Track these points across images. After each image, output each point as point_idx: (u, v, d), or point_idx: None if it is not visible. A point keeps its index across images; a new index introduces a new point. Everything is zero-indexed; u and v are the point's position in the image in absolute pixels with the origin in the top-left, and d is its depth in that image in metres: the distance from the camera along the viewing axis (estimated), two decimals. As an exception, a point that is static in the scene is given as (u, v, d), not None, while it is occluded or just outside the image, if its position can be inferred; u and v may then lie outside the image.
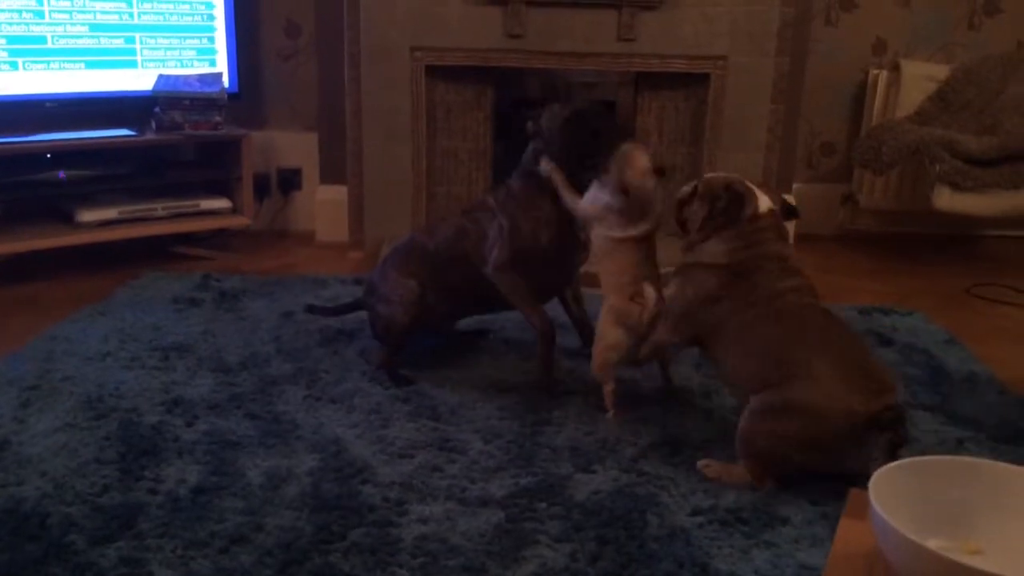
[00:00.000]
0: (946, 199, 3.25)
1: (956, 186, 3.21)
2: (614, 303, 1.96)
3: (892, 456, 1.49)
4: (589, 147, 2.09)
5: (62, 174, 3.07)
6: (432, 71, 3.30)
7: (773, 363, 1.70)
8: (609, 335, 1.96)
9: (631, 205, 1.97)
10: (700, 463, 1.78)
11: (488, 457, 1.81)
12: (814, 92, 3.70)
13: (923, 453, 1.80)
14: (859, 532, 1.24)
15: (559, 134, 2.14)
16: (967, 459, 1.30)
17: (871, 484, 1.17)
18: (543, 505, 1.64)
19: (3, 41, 2.96)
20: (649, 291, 1.93)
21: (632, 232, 1.97)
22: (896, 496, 1.16)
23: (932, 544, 1.09)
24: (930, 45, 3.72)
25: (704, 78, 3.33)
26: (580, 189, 2.09)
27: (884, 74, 3.65)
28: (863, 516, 1.23)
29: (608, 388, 2.00)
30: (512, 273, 2.12)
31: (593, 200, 2.02)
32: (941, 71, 3.56)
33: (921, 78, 3.57)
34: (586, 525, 1.58)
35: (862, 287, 3.19)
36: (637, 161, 1.98)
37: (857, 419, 1.60)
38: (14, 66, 3.00)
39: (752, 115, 3.33)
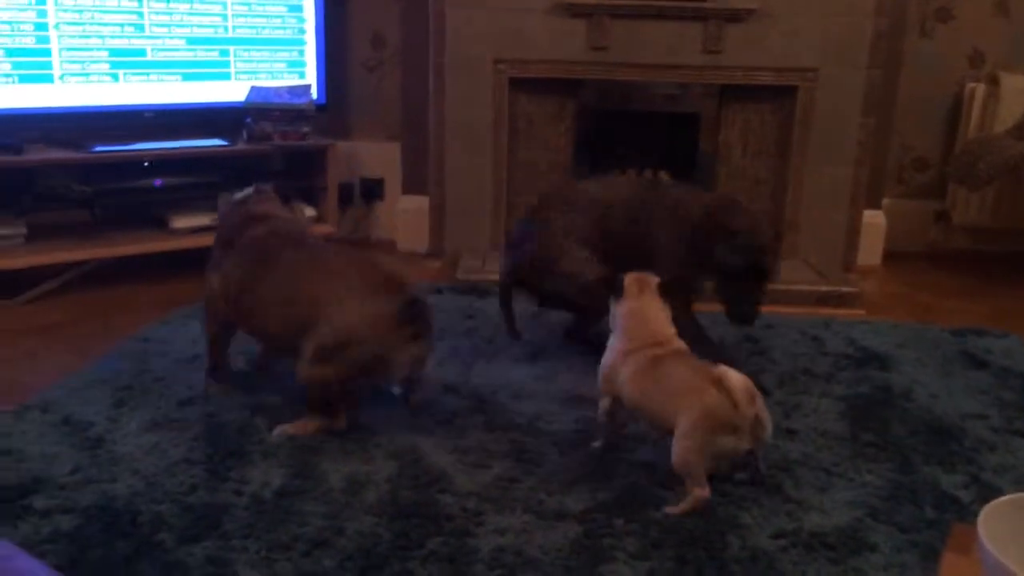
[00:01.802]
0: (1045, 217, 3.12)
1: (1056, 203, 3.08)
2: (695, 403, 1.65)
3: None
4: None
5: (158, 182, 3.18)
6: (515, 83, 3.32)
7: (302, 308, 1.89)
8: (712, 444, 1.64)
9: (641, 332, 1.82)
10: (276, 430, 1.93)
11: (565, 470, 1.80)
12: (907, 106, 3.60)
13: (1021, 482, 1.74)
14: (964, 568, 1.20)
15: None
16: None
17: (980, 519, 1.12)
18: (620, 521, 1.62)
19: (106, 53, 3.09)
20: (727, 371, 1.66)
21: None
22: (1005, 532, 1.12)
23: (1044, 583, 1.04)
24: (1031, 57, 3.58)
25: (792, 90, 3.27)
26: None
27: (981, 87, 3.53)
28: (968, 551, 1.19)
29: (702, 494, 1.66)
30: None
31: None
32: (1043, 84, 3.43)
33: (1021, 91, 3.44)
34: (664, 543, 1.56)
35: (953, 307, 3.08)
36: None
37: (387, 320, 1.83)
38: (115, 77, 3.12)
39: (842, 129, 3.26)
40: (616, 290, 1.85)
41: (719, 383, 1.62)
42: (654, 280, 1.86)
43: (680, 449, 1.64)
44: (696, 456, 1.64)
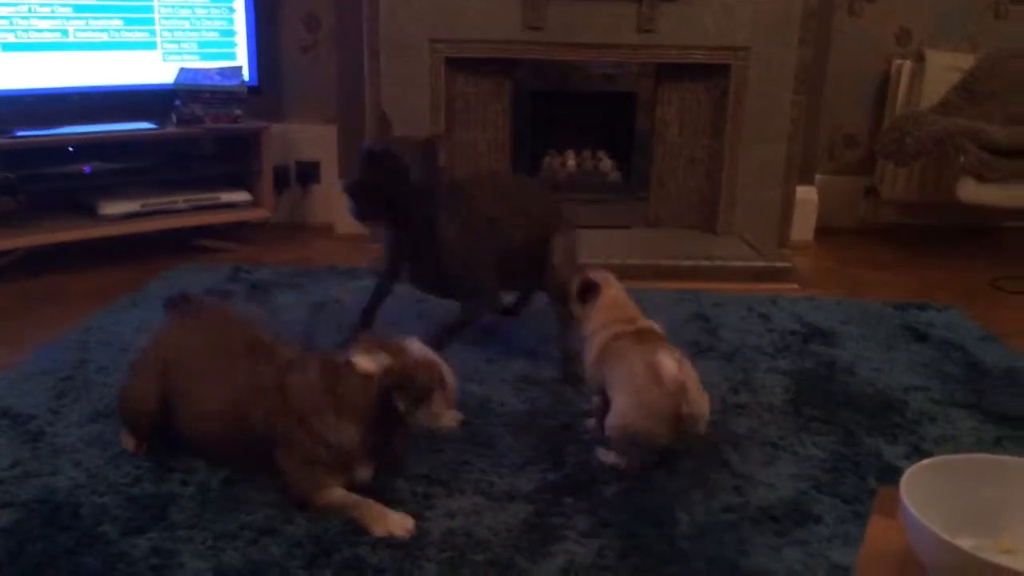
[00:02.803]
0: (971, 191, 3.23)
1: (981, 177, 3.19)
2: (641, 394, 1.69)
3: None
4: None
5: (88, 169, 3.08)
6: (451, 63, 3.29)
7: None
8: (640, 426, 1.68)
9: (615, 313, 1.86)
10: None
11: (516, 452, 1.81)
12: (837, 83, 3.67)
13: (960, 451, 1.80)
14: (890, 530, 1.23)
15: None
16: (999, 457, 1.28)
17: (902, 482, 1.15)
18: (570, 500, 1.64)
19: (28, 34, 2.97)
20: (667, 359, 1.68)
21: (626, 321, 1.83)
22: (927, 494, 1.15)
23: (964, 543, 1.08)
24: (955, 35, 3.68)
25: (725, 69, 3.31)
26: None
27: (908, 64, 3.62)
28: (893, 514, 1.22)
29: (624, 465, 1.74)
30: None
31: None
32: (966, 61, 3.53)
33: (946, 68, 3.54)
34: (614, 521, 1.57)
35: (885, 280, 3.17)
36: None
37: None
38: (38, 57, 3.01)
39: (774, 106, 3.31)
40: (589, 293, 1.87)
41: (657, 377, 1.64)
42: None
43: (609, 430, 1.71)
44: (622, 439, 1.70)
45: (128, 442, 1.76)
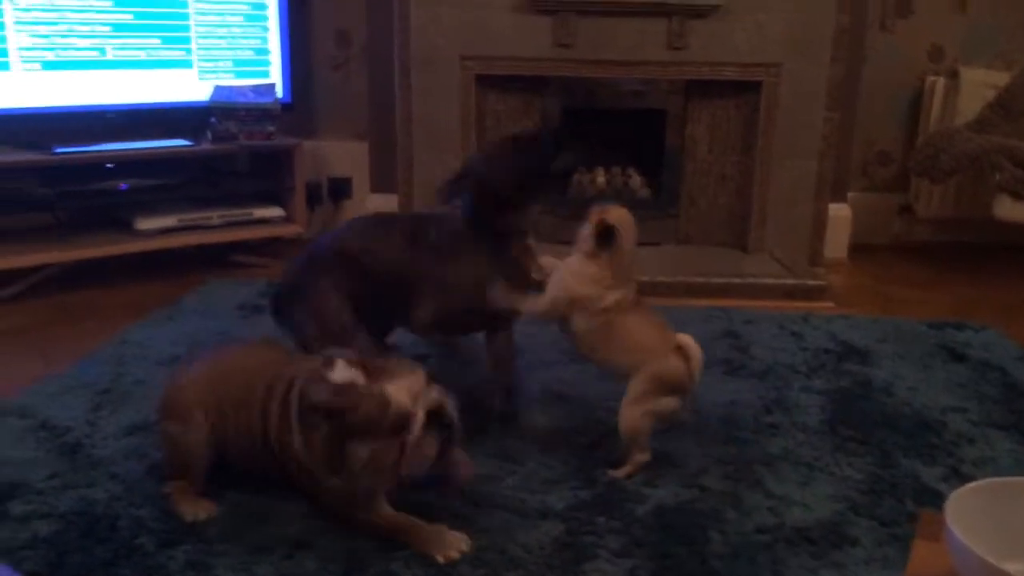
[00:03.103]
0: (1007, 208, 3.19)
1: (1017, 195, 3.15)
2: (654, 369, 1.73)
3: None
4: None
5: (124, 185, 3.13)
6: (482, 80, 3.31)
7: None
8: (660, 405, 1.74)
9: (618, 268, 1.79)
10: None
11: (546, 469, 1.80)
12: (870, 100, 3.65)
13: (999, 474, 1.77)
14: (934, 554, 1.22)
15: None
16: (1044, 480, 1.26)
17: (947, 506, 1.15)
18: (602, 519, 1.63)
19: (67, 53, 3.03)
20: (687, 340, 1.75)
21: (626, 294, 1.78)
22: (972, 518, 1.14)
23: (1012, 568, 1.06)
24: (989, 52, 3.65)
25: (756, 86, 3.30)
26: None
27: (942, 81, 3.59)
28: (937, 538, 1.21)
29: (644, 458, 1.78)
30: None
31: (578, 276, 1.79)
32: (1001, 78, 3.49)
33: (980, 85, 3.50)
34: (647, 541, 1.56)
35: (920, 298, 3.13)
36: (629, 222, 1.82)
37: None
38: (78, 76, 3.06)
39: (806, 123, 3.29)
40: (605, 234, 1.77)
41: (680, 350, 1.72)
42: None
43: (629, 415, 1.73)
44: (646, 422, 1.74)
45: (192, 509, 1.61)
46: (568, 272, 1.81)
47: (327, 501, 1.56)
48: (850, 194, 3.68)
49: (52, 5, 2.97)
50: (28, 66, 2.97)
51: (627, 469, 1.76)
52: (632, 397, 1.73)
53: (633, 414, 1.73)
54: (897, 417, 2.08)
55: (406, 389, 1.44)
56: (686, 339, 1.74)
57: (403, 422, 1.42)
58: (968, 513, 1.15)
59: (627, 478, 1.75)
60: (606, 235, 1.76)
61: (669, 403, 1.74)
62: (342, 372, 1.45)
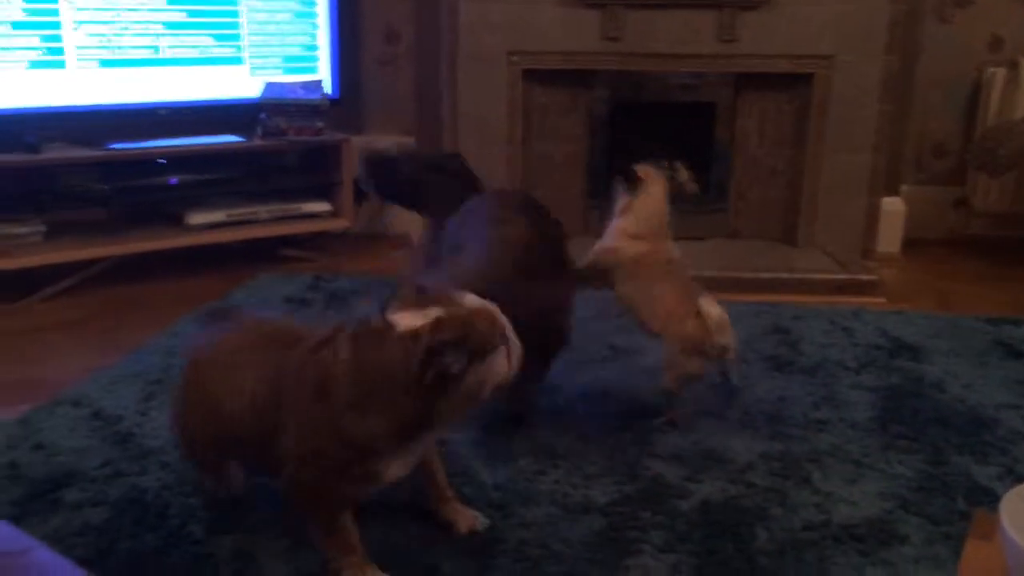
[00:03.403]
0: (1067, 202, 3.10)
1: (1078, 189, 3.06)
2: (674, 332, 1.86)
3: None
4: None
5: (174, 180, 3.18)
6: (529, 75, 3.30)
7: None
8: (686, 366, 1.87)
9: (642, 217, 1.95)
10: None
11: (589, 463, 1.79)
12: (926, 92, 3.57)
13: (1056, 473, 1.72)
14: (988, 554, 1.19)
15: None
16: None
17: (1002, 506, 1.11)
18: (647, 514, 1.61)
19: (121, 51, 3.09)
20: (705, 303, 1.85)
21: (655, 251, 1.93)
22: (1028, 518, 1.11)
23: (1069, 569, 1.03)
24: (1050, 42, 3.54)
25: (808, 78, 3.25)
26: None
27: (1001, 72, 3.49)
28: (991, 537, 1.18)
29: (684, 410, 1.94)
30: None
31: (610, 233, 1.98)
32: (1063, 68, 3.39)
33: (1041, 76, 3.40)
34: (691, 536, 1.55)
35: (977, 294, 3.05)
36: (654, 174, 1.99)
37: None
38: (130, 73, 3.13)
39: (859, 116, 3.23)
40: (629, 178, 1.95)
41: (698, 314, 1.84)
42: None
43: (667, 378, 1.91)
44: (680, 382, 1.90)
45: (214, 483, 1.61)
46: (607, 233, 1.98)
47: (296, 482, 1.38)
48: (904, 187, 3.61)
49: (108, 4, 3.03)
50: (84, 64, 3.04)
51: (665, 419, 1.93)
52: (664, 360, 1.90)
53: (665, 376, 1.91)
54: (950, 414, 2.03)
55: (487, 305, 1.33)
56: (705, 302, 1.85)
57: (504, 330, 1.32)
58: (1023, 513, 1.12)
59: (671, 424, 1.93)
60: (629, 180, 1.94)
61: (695, 364, 1.87)
62: (411, 314, 1.29)
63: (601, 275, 1.95)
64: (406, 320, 1.28)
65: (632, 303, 1.93)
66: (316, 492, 1.36)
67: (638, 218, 1.94)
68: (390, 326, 1.28)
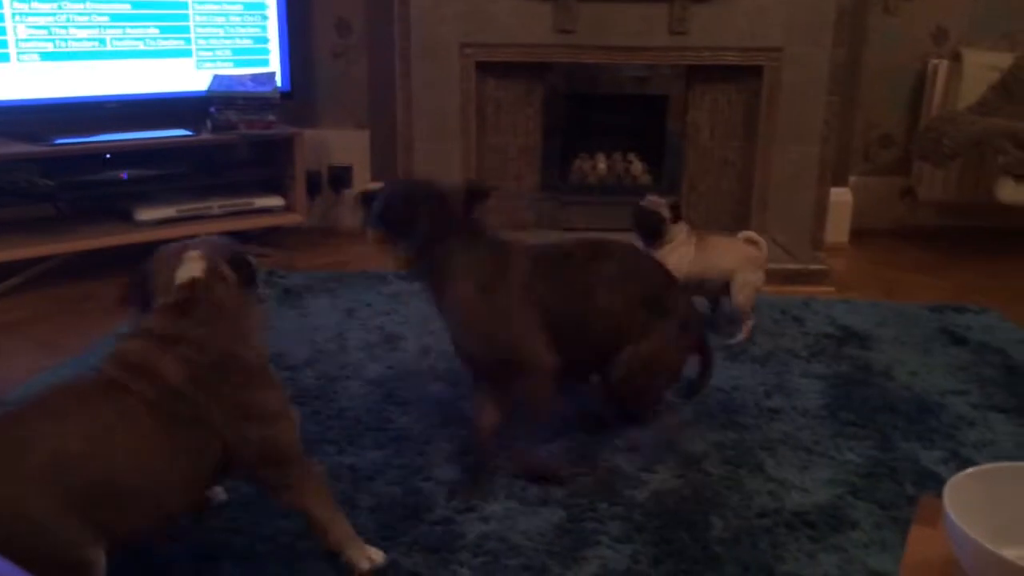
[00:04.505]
0: (1010, 191, 3.18)
1: (1021, 178, 3.13)
2: (746, 256, 2.45)
3: None
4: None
5: (125, 175, 3.13)
6: (482, 67, 3.29)
7: None
8: (755, 282, 2.45)
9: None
10: None
11: (548, 456, 1.80)
12: (872, 83, 3.63)
13: (999, 457, 1.77)
14: (932, 540, 1.21)
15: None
16: (1043, 464, 1.26)
17: (946, 491, 1.14)
18: (603, 505, 1.63)
19: (66, 44, 3.02)
20: (750, 234, 2.54)
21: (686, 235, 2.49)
22: (971, 504, 1.14)
23: (1009, 553, 1.06)
24: (993, 33, 3.61)
25: (758, 70, 3.28)
26: None
27: (945, 64, 3.56)
28: (935, 523, 1.21)
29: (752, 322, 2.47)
30: None
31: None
32: (1004, 60, 3.47)
33: (983, 67, 3.48)
34: (648, 526, 1.57)
35: (923, 283, 3.13)
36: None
37: None
38: (75, 67, 3.06)
39: (808, 107, 3.28)
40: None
41: (752, 241, 2.49)
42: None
43: (743, 295, 2.42)
44: (752, 295, 2.44)
45: None
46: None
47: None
48: (852, 178, 3.67)
49: (50, -5, 2.96)
50: (26, 57, 2.96)
51: (744, 334, 2.43)
52: (736, 288, 2.42)
53: (746, 293, 2.42)
54: (897, 401, 2.08)
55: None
56: (749, 234, 2.54)
57: None
58: (967, 498, 1.15)
59: (747, 339, 2.42)
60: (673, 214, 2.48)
61: (760, 277, 2.46)
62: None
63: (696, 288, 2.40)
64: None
65: (706, 274, 2.42)
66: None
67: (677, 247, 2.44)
68: None
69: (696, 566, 1.46)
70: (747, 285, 2.43)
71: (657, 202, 2.46)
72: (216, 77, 3.24)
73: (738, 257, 2.45)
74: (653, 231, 2.43)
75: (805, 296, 2.86)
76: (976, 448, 1.85)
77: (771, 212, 3.38)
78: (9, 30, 2.91)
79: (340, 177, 3.74)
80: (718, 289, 2.47)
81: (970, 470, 1.20)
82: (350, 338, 2.43)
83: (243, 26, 3.35)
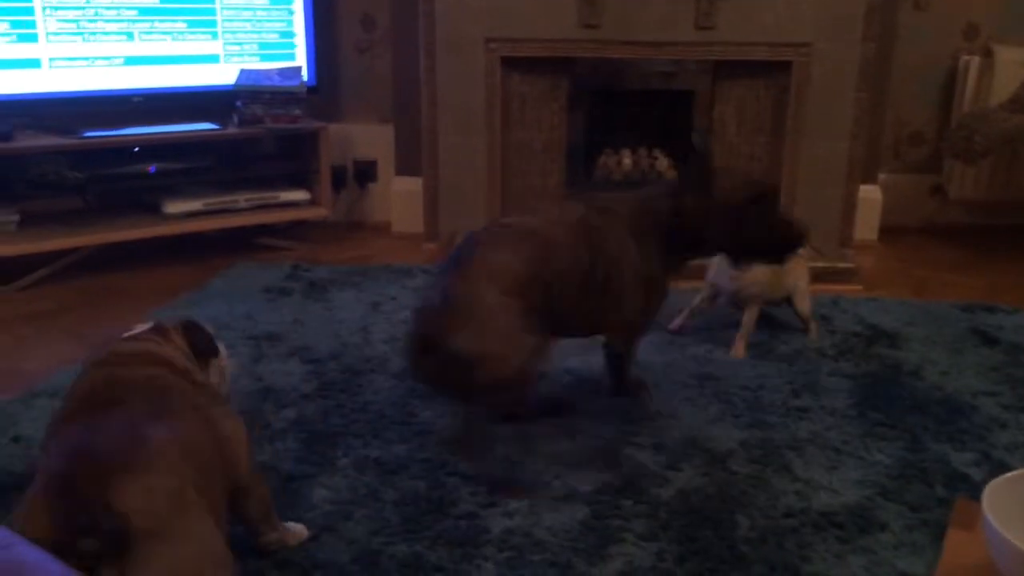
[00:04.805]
0: (1042, 190, 3.13)
1: (1053, 176, 3.09)
2: (799, 265, 2.44)
3: None
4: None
5: (153, 168, 3.15)
6: (507, 62, 3.28)
7: None
8: (808, 287, 2.51)
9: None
10: None
11: (571, 453, 1.80)
12: (902, 79, 3.59)
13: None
14: (969, 543, 1.20)
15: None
16: (1081, 468, 1.24)
17: (984, 495, 1.13)
18: (629, 502, 1.62)
19: (95, 37, 3.04)
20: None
21: None
22: (1010, 508, 1.12)
23: (1048, 556, 1.04)
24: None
25: (786, 66, 3.25)
26: None
27: (976, 60, 3.51)
28: (972, 527, 1.19)
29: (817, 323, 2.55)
30: None
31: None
32: (1037, 56, 3.42)
33: (1015, 64, 3.42)
34: (673, 524, 1.56)
35: (953, 281, 3.09)
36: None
37: None
38: (104, 61, 3.08)
39: (836, 103, 3.24)
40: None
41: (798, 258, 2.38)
42: None
43: (805, 304, 2.46)
44: (809, 299, 2.49)
45: None
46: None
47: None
48: (881, 175, 3.63)
49: (80, -10, 2.99)
50: (56, 51, 2.98)
51: (815, 333, 2.47)
52: (800, 295, 2.45)
53: (807, 301, 2.47)
54: (927, 401, 2.05)
55: None
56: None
57: None
58: (1006, 502, 1.13)
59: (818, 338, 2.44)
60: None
61: (808, 279, 2.50)
62: None
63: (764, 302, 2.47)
64: None
65: (775, 294, 2.43)
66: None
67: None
68: None
69: (722, 565, 1.45)
70: (806, 293, 2.48)
71: None
72: (243, 71, 3.25)
73: (796, 271, 2.45)
74: None
75: (833, 294, 2.83)
76: (1008, 450, 1.83)
77: (798, 209, 3.35)
78: (39, 23, 2.94)
79: (365, 171, 3.75)
80: (781, 301, 2.50)
81: (1009, 474, 1.18)
82: (374, 332, 2.43)
83: (269, 20, 3.37)
